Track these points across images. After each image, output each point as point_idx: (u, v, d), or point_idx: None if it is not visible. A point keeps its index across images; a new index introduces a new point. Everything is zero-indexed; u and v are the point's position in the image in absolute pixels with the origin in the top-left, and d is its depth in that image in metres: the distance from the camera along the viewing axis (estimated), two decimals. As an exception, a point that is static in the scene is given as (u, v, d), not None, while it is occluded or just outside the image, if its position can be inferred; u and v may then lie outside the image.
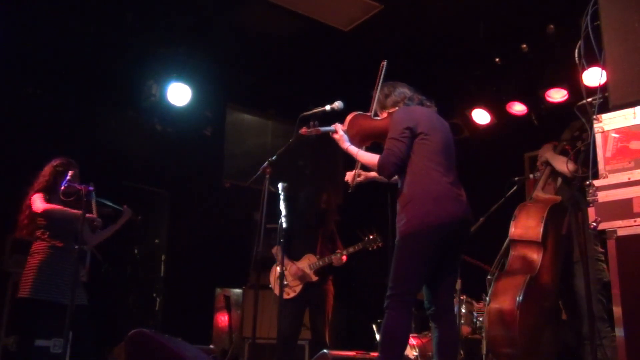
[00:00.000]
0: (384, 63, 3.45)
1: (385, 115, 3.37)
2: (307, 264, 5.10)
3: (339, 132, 3.34)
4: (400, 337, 3.04)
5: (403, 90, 3.41)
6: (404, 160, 3.12)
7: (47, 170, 4.37)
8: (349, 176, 3.55)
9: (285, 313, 5.02)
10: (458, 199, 3.12)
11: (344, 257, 5.08)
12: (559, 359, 4.11)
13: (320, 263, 5.06)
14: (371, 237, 5.03)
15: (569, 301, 4.23)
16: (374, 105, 3.44)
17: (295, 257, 5.13)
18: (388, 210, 5.01)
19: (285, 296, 5.05)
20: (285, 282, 5.04)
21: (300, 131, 3.43)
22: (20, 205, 4.37)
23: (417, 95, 3.42)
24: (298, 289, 5.06)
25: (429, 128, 3.18)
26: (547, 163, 4.45)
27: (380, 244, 5.03)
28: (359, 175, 3.53)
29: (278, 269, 5.16)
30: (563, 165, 4.19)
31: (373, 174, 3.53)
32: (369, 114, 3.43)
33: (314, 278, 5.06)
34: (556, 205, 4.21)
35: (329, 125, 3.41)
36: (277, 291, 5.12)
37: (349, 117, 3.40)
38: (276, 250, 5.08)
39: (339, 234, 5.47)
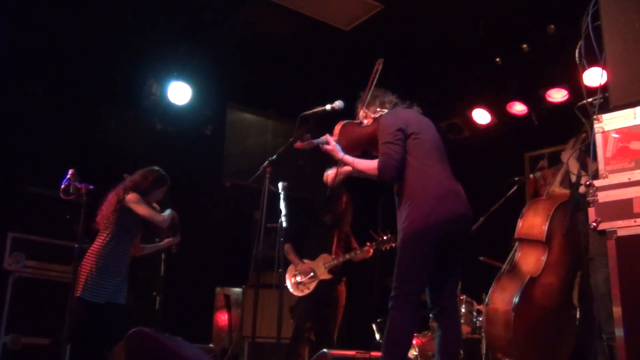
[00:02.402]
0: (380, 62, 3.44)
1: (371, 121, 3.38)
2: (321, 263, 5.18)
3: (331, 143, 3.33)
4: (404, 338, 3.04)
5: (391, 97, 3.45)
6: (402, 162, 3.12)
7: (147, 174, 4.53)
8: (330, 176, 3.51)
9: (299, 310, 5.19)
10: (458, 194, 3.13)
11: (371, 250, 5.16)
12: (572, 358, 4.09)
13: (335, 262, 5.15)
14: (385, 237, 5.07)
15: (585, 299, 4.20)
16: (363, 101, 3.42)
17: (310, 256, 5.25)
18: (378, 213, 5.05)
19: (300, 293, 5.22)
20: (300, 280, 5.18)
21: (295, 145, 3.43)
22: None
23: (402, 102, 3.46)
24: (312, 286, 5.17)
25: (418, 128, 3.21)
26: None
27: (393, 244, 5.05)
28: (340, 174, 3.48)
29: (292, 269, 5.24)
30: (565, 155, 4.18)
31: (348, 168, 3.50)
32: (356, 121, 3.44)
33: (328, 276, 5.13)
34: (568, 202, 4.17)
35: (335, 122, 3.41)
36: (292, 290, 5.19)
37: (337, 127, 3.40)
38: (288, 249, 5.16)
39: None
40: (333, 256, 5.22)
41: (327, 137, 3.36)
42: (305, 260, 5.26)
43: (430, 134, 3.23)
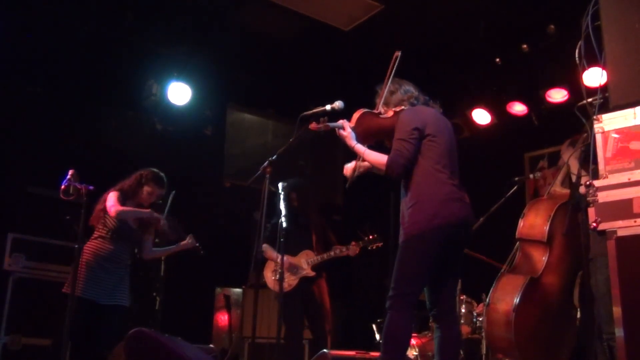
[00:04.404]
0: (398, 54, 3.40)
1: (391, 113, 3.35)
2: (304, 259, 5.16)
3: (347, 129, 3.30)
4: (402, 338, 3.04)
5: (409, 89, 3.40)
6: (412, 161, 3.11)
7: (133, 175, 4.51)
8: (347, 170, 3.48)
9: (287, 309, 5.10)
10: (463, 200, 3.12)
11: (358, 249, 5.18)
12: (573, 358, 4.08)
13: (319, 259, 5.14)
14: (371, 237, 5.11)
15: (586, 300, 4.19)
16: (381, 97, 3.40)
17: (291, 253, 5.16)
18: (390, 211, 5.04)
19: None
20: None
21: (309, 126, 3.39)
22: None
23: (422, 95, 3.42)
24: (294, 283, 5.13)
25: (436, 130, 3.18)
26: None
27: (379, 244, 5.12)
28: (360, 168, 3.45)
29: (271, 265, 5.21)
30: (566, 155, 4.18)
31: (367, 163, 3.50)
32: (375, 111, 3.42)
33: (311, 273, 5.13)
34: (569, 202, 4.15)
35: (336, 121, 3.39)
36: (270, 285, 5.20)
37: (356, 115, 3.37)
38: (265, 248, 5.14)
39: (341, 233, 5.51)
40: (315, 252, 5.21)
41: (344, 122, 3.34)
42: (287, 257, 5.20)
43: (446, 137, 3.21)
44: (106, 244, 4.32)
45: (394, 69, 3.40)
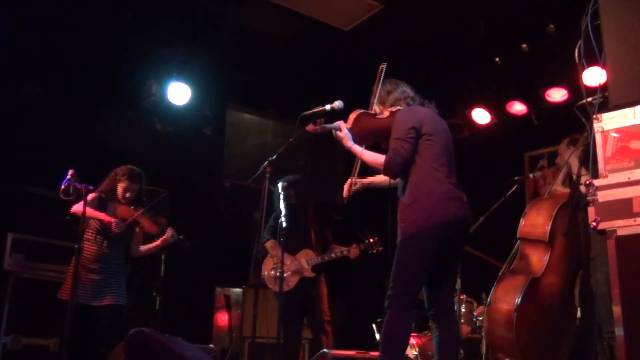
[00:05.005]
0: (383, 66, 3.45)
1: (387, 114, 3.37)
2: (304, 259, 5.13)
3: (343, 130, 3.33)
4: (401, 337, 3.05)
5: (405, 89, 3.41)
6: (409, 160, 3.12)
7: (110, 175, 4.52)
8: (344, 188, 3.54)
9: (286, 309, 5.07)
10: (461, 199, 3.13)
11: (358, 252, 5.15)
12: (573, 357, 4.08)
13: (319, 259, 5.12)
14: (371, 240, 5.09)
15: (586, 299, 4.19)
16: (374, 100, 3.44)
17: (291, 251, 5.11)
18: (388, 211, 5.04)
19: (279, 289, 5.10)
20: (279, 275, 5.08)
21: (306, 128, 3.42)
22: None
23: (418, 96, 3.43)
24: (293, 282, 5.10)
25: (432, 129, 3.19)
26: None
27: (380, 248, 5.10)
28: (355, 184, 3.52)
29: (270, 262, 5.18)
30: (566, 153, 4.18)
31: (369, 179, 3.55)
32: (372, 112, 3.44)
33: (311, 274, 5.10)
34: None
35: (333, 122, 3.41)
36: (270, 285, 5.16)
37: (352, 115, 3.39)
38: (271, 245, 5.12)
39: (341, 233, 5.50)
40: (315, 252, 5.19)
41: (340, 123, 3.36)
42: (288, 257, 5.16)
43: (443, 137, 3.22)
44: (91, 246, 4.33)
45: (381, 80, 3.43)
